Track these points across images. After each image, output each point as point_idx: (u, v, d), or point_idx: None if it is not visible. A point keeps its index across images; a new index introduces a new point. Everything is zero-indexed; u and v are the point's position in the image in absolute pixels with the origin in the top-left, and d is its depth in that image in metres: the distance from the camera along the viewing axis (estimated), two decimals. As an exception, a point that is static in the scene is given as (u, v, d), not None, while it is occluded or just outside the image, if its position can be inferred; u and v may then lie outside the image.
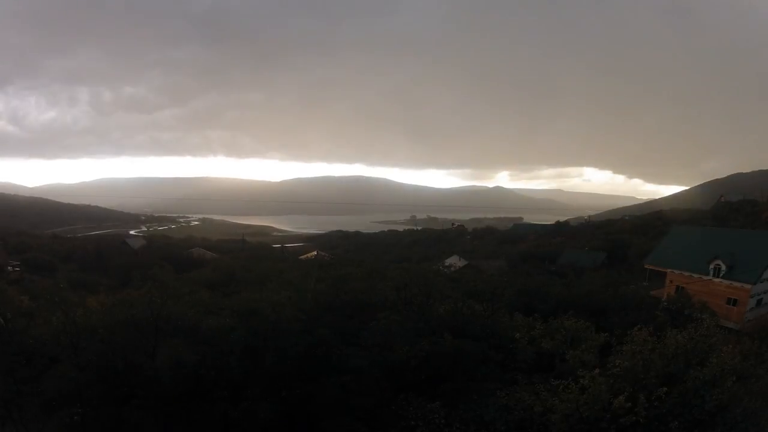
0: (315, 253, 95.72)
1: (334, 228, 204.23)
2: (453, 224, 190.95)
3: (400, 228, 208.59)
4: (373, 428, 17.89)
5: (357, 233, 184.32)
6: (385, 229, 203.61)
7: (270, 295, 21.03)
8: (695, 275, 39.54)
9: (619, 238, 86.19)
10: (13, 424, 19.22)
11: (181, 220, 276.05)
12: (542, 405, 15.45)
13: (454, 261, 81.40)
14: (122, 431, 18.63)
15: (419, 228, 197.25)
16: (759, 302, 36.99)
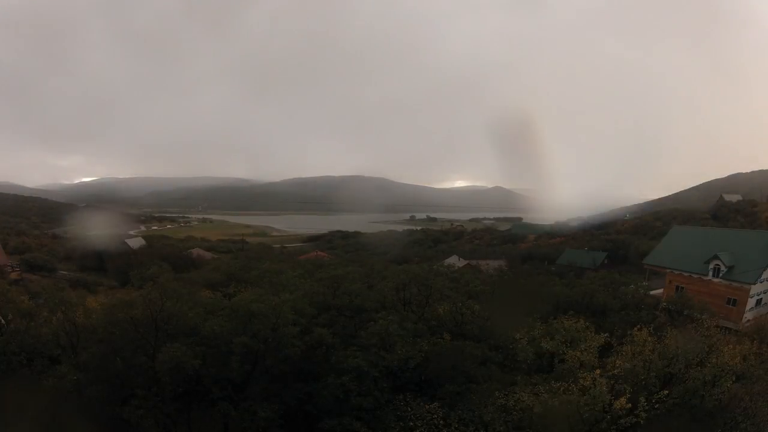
0: (315, 253, 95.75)
1: (334, 228, 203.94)
2: (452, 224, 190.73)
3: (400, 228, 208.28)
4: (372, 428, 17.89)
5: (356, 233, 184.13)
6: (385, 230, 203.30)
7: (270, 297, 20.98)
8: (695, 275, 39.54)
9: (619, 238, 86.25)
10: (13, 424, 19.23)
11: (181, 220, 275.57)
12: (542, 406, 15.46)
13: (454, 261, 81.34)
14: (122, 431, 18.64)
15: (419, 228, 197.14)
16: (758, 302, 36.97)
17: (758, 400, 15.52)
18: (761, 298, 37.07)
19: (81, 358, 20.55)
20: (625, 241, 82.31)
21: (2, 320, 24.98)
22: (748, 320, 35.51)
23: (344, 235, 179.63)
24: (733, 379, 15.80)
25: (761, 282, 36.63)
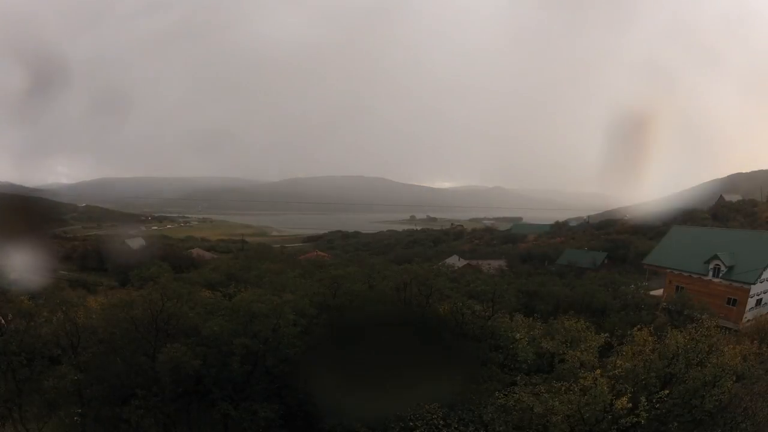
0: (314, 253, 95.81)
1: (334, 228, 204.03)
2: (452, 224, 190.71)
3: (400, 228, 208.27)
4: (372, 428, 17.89)
5: (357, 233, 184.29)
6: (385, 229, 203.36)
7: (270, 297, 21.00)
8: (695, 275, 39.58)
9: (619, 238, 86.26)
10: (13, 424, 19.25)
11: (181, 220, 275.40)
12: (542, 406, 15.45)
13: (454, 261, 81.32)
14: (122, 431, 18.66)
15: (419, 228, 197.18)
16: (759, 302, 37.01)
17: (758, 400, 15.53)
18: (761, 298, 37.10)
19: (81, 358, 20.56)
20: (625, 241, 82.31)
21: (2, 320, 24.98)
22: (748, 320, 35.53)
23: (344, 235, 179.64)
24: (734, 379, 15.80)
25: (761, 282, 36.67)
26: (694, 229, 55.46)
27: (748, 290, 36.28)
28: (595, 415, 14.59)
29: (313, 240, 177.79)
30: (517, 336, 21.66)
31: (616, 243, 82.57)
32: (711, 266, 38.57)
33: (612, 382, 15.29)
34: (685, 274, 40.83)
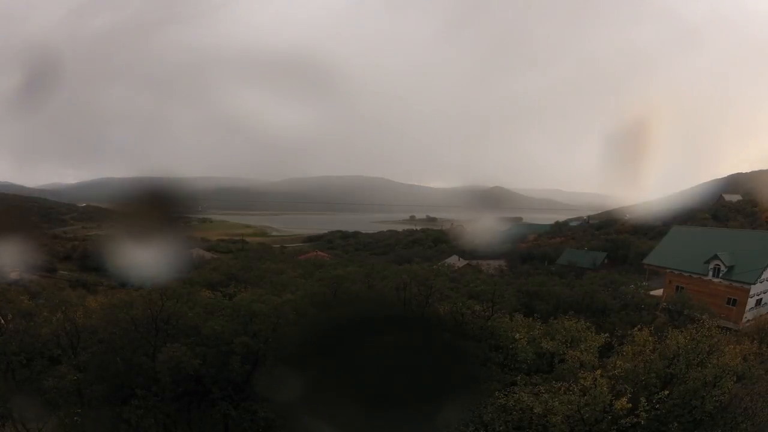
0: (314, 253, 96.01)
1: (334, 228, 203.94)
2: (452, 224, 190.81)
3: (400, 228, 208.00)
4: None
5: (357, 233, 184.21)
6: (385, 229, 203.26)
7: (271, 297, 21.04)
8: (695, 275, 39.56)
9: (619, 238, 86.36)
10: (13, 424, 19.24)
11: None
12: (542, 406, 15.44)
13: (454, 261, 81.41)
14: (122, 431, 18.66)
15: (419, 228, 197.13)
16: (758, 302, 37.00)
17: (758, 400, 15.51)
18: (761, 298, 37.10)
19: (81, 358, 20.59)
20: (625, 241, 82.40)
21: (2, 320, 25.01)
22: (748, 320, 35.52)
23: (344, 235, 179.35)
24: (734, 379, 15.78)
25: (761, 282, 36.66)
26: (694, 229, 55.49)
27: (748, 290, 36.27)
28: (594, 415, 14.59)
29: (313, 240, 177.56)
30: (517, 336, 21.62)
31: (616, 243, 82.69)
32: (711, 266, 38.55)
33: (612, 382, 15.29)
34: (685, 274, 40.80)
